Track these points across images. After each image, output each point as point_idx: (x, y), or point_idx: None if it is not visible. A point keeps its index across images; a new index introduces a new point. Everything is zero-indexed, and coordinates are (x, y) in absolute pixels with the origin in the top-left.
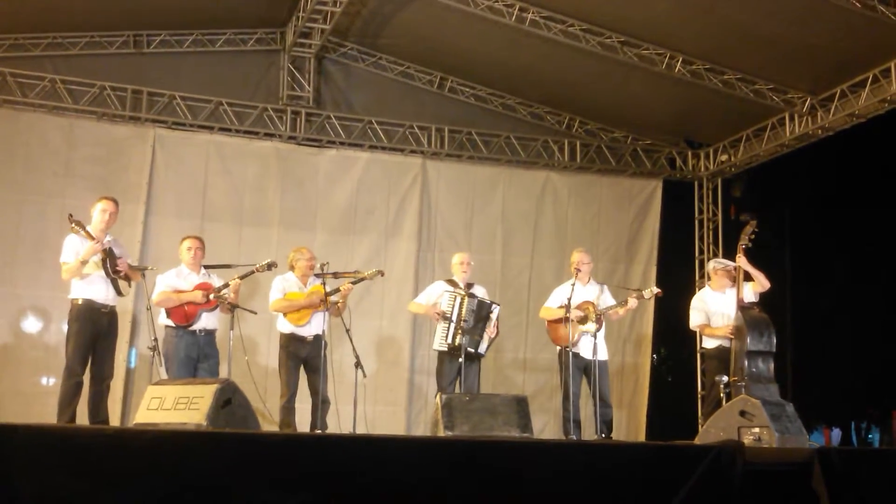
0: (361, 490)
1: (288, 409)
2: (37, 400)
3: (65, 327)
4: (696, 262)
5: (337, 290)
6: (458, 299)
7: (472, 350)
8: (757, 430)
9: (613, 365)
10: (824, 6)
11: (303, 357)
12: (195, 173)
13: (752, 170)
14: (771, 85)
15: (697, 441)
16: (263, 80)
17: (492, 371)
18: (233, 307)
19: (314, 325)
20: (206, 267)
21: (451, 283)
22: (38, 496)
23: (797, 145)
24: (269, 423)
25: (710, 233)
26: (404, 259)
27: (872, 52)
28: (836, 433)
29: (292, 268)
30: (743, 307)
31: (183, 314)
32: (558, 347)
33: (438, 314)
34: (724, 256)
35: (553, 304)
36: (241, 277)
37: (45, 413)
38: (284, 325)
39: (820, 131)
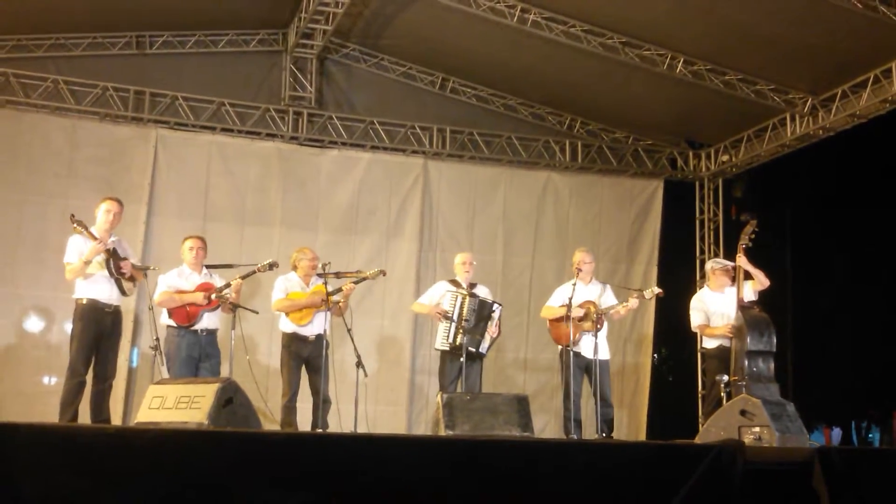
0: (362, 489)
1: (289, 409)
2: (38, 399)
3: (66, 327)
4: (697, 262)
5: (339, 290)
6: (460, 299)
7: (474, 350)
8: (757, 429)
9: (614, 365)
10: (825, 6)
11: (305, 357)
12: (197, 174)
13: (753, 170)
14: (772, 85)
15: (698, 440)
16: (265, 80)
17: (493, 370)
18: (234, 307)
19: (316, 325)
20: (207, 267)
21: (454, 283)
22: (40, 495)
23: (798, 145)
24: (271, 423)
25: (711, 233)
26: (406, 259)
27: (873, 52)
28: (837, 433)
29: (295, 268)
30: (743, 307)
31: (185, 314)
32: (560, 347)
33: (440, 314)
34: (725, 256)
35: (554, 304)
36: (243, 277)
37: (47, 412)
38: (286, 325)
39: (821, 131)
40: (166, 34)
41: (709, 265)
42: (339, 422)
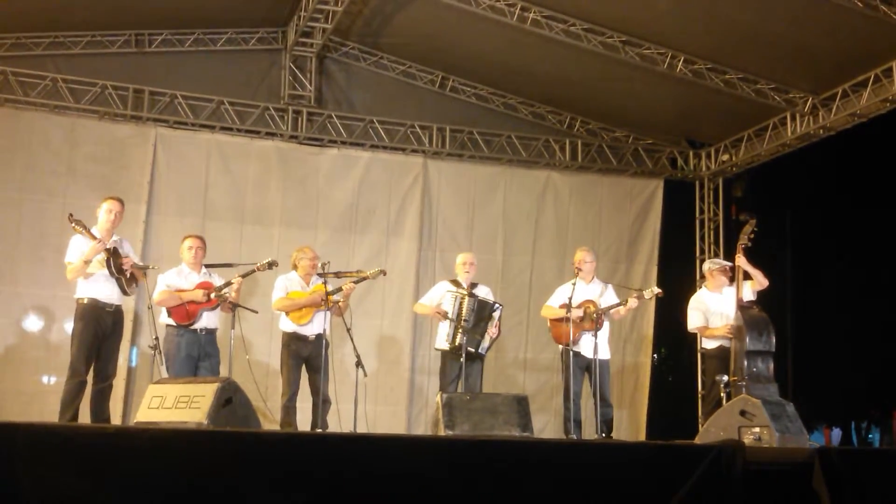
0: (362, 489)
1: (289, 409)
2: (37, 399)
3: (66, 326)
4: (697, 261)
5: (339, 290)
6: (459, 299)
7: (473, 350)
8: (757, 429)
9: (614, 365)
10: (826, 6)
11: (305, 356)
12: (196, 172)
13: (753, 169)
14: (772, 84)
15: (698, 441)
16: (265, 79)
17: (493, 370)
18: (234, 306)
19: (316, 325)
20: (207, 266)
21: (455, 283)
22: (39, 494)
23: (799, 145)
24: (270, 423)
25: (711, 232)
26: (405, 258)
27: (874, 51)
28: (837, 433)
29: (295, 267)
30: (742, 307)
31: (184, 313)
32: (560, 346)
33: (440, 314)
34: (725, 256)
35: (555, 303)
36: (243, 276)
37: (46, 412)
38: (287, 324)
39: (821, 131)
40: (165, 32)
41: (706, 266)
42: (339, 422)
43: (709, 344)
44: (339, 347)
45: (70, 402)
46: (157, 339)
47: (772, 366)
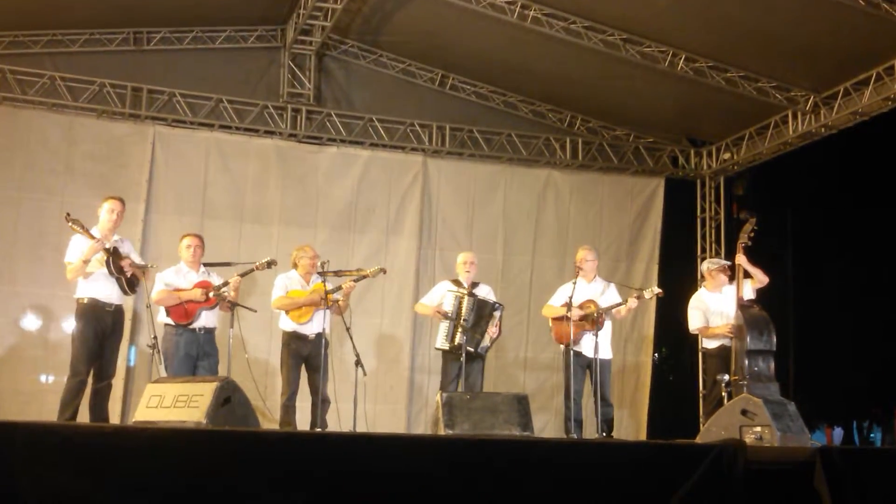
0: (361, 489)
1: (288, 408)
2: (35, 398)
3: (64, 325)
4: (698, 260)
5: (339, 288)
6: (459, 298)
7: (473, 349)
8: (758, 429)
9: (615, 365)
10: (827, 4)
11: (304, 355)
12: (195, 171)
13: (754, 168)
14: (774, 83)
15: (699, 440)
16: (264, 77)
17: (493, 370)
18: (232, 305)
19: (316, 324)
20: (205, 265)
21: (456, 282)
22: (37, 494)
23: (800, 143)
24: (269, 422)
25: (713, 231)
26: (405, 257)
27: (876, 49)
28: (838, 432)
29: (295, 265)
30: (742, 306)
31: (183, 312)
32: (562, 346)
33: (441, 313)
34: (726, 255)
35: (556, 303)
36: (241, 275)
37: (44, 411)
38: (286, 323)
39: (823, 129)
40: (164, 30)
41: (705, 266)
42: (339, 421)
43: (710, 343)
44: (339, 346)
45: (70, 401)
46: (155, 338)
47: (773, 365)
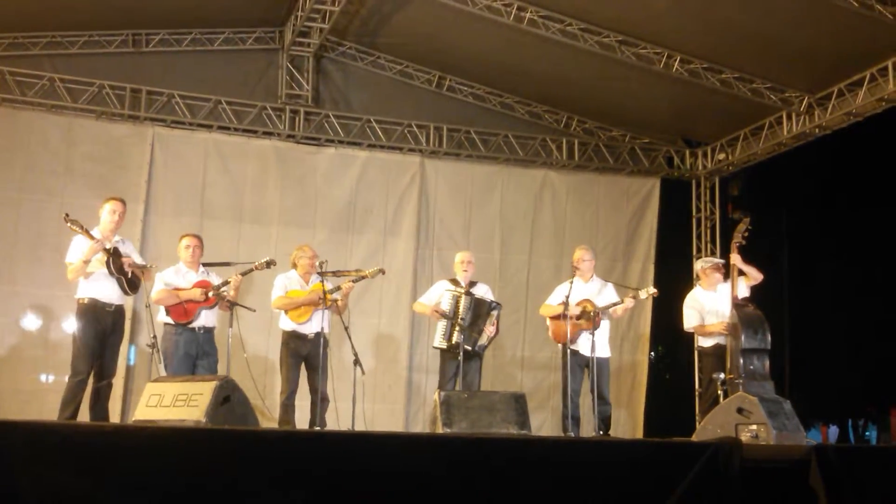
0: (360, 487)
1: (287, 407)
2: (35, 398)
3: (64, 325)
4: (694, 260)
5: (338, 289)
6: (456, 297)
7: (470, 348)
8: (754, 427)
9: (611, 363)
10: (822, 5)
11: (304, 354)
12: (194, 172)
13: (749, 168)
14: (768, 84)
15: (695, 438)
16: (262, 78)
17: (490, 368)
18: (231, 304)
19: (315, 323)
20: (204, 265)
21: (454, 282)
22: (37, 493)
23: (795, 144)
24: (268, 421)
25: (708, 231)
26: (403, 257)
27: (870, 51)
28: (834, 430)
29: (295, 265)
30: (737, 305)
31: (182, 311)
32: (560, 345)
33: (438, 313)
34: (721, 255)
35: (554, 302)
36: (242, 275)
37: (44, 411)
38: (286, 323)
39: (817, 130)
40: (162, 32)
41: (699, 265)
42: (337, 420)
43: (705, 342)
44: (338, 346)
45: (70, 400)
46: (155, 337)
47: (767, 363)
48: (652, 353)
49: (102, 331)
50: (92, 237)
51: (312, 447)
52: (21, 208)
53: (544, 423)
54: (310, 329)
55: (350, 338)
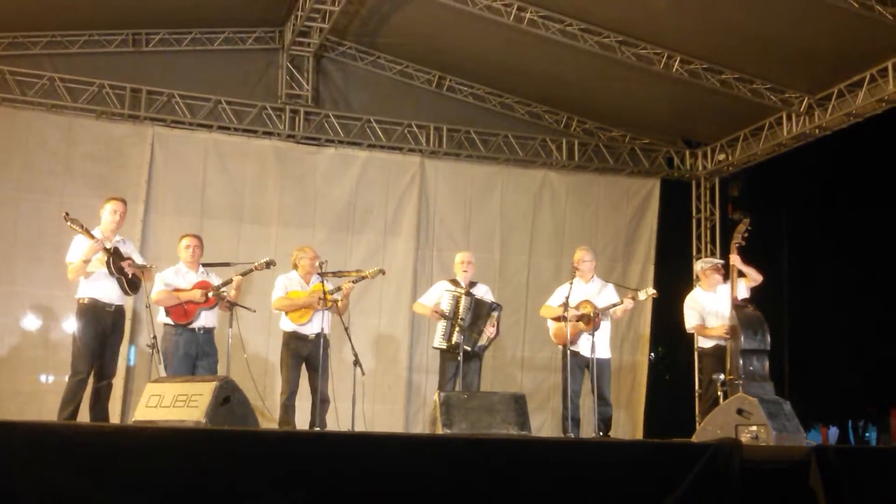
0: (360, 487)
1: (287, 407)
2: (35, 398)
3: (64, 325)
4: (694, 260)
5: (338, 289)
6: (456, 298)
7: (469, 348)
8: (754, 428)
9: (612, 364)
10: (822, 6)
11: (304, 355)
12: (194, 171)
13: (749, 169)
14: (768, 84)
15: (695, 439)
16: (262, 78)
17: (490, 369)
18: (231, 305)
19: (315, 324)
20: (204, 265)
21: (454, 282)
22: (37, 493)
23: (795, 145)
24: (268, 421)
25: (708, 232)
26: (403, 257)
27: (870, 51)
28: (834, 431)
29: (295, 266)
30: (737, 306)
31: (182, 312)
32: (560, 346)
33: (438, 313)
34: (721, 255)
35: (554, 303)
36: (242, 275)
37: (44, 411)
38: (286, 324)
39: (817, 131)
40: (162, 32)
41: (699, 265)
42: (337, 420)
43: (705, 343)
44: (338, 346)
45: (70, 400)
46: (155, 337)
47: (767, 364)
48: (652, 354)
49: (102, 331)
50: (92, 236)
51: (312, 448)
52: (21, 208)
53: (544, 424)
54: (310, 330)
55: (350, 338)
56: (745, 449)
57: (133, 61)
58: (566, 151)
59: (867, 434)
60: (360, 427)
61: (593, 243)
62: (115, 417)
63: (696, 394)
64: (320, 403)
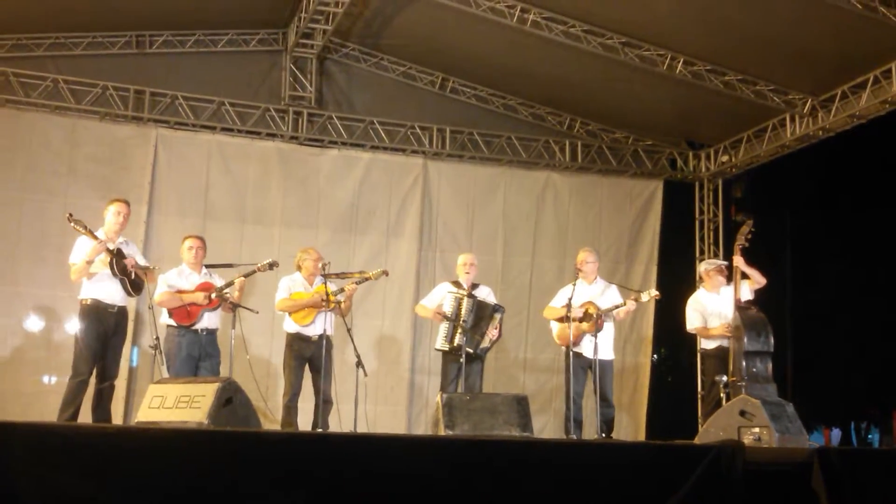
0: (362, 489)
1: (290, 408)
2: (38, 399)
3: (66, 326)
4: (697, 262)
5: (341, 290)
6: (458, 299)
7: (472, 350)
8: (757, 429)
9: (614, 365)
10: (825, 7)
11: (308, 356)
12: (197, 173)
13: (752, 170)
14: (772, 86)
15: (697, 441)
16: (265, 80)
17: (492, 371)
18: (234, 306)
19: (319, 325)
20: (207, 266)
21: (456, 284)
22: (39, 494)
23: (798, 146)
24: (271, 422)
25: (711, 233)
26: (406, 259)
27: (873, 53)
28: (836, 433)
29: (299, 268)
30: (740, 307)
31: (185, 313)
32: (563, 347)
33: (440, 315)
34: (724, 257)
35: (557, 304)
36: (245, 276)
37: (46, 412)
38: (290, 325)
39: (821, 132)
40: (166, 33)
41: (703, 267)
42: (339, 421)
43: (708, 344)
44: (340, 348)
45: (70, 401)
46: (157, 339)
47: (770, 366)
48: (654, 356)
49: (105, 332)
50: (95, 237)
51: (315, 449)
52: (24, 209)
53: (546, 426)
54: (314, 331)
55: (353, 340)
56: (747, 451)
57: (137, 63)
58: (569, 153)
59: (870, 436)
60: (362, 428)
61: (596, 245)
62: (117, 418)
63: (699, 395)
64: (323, 404)
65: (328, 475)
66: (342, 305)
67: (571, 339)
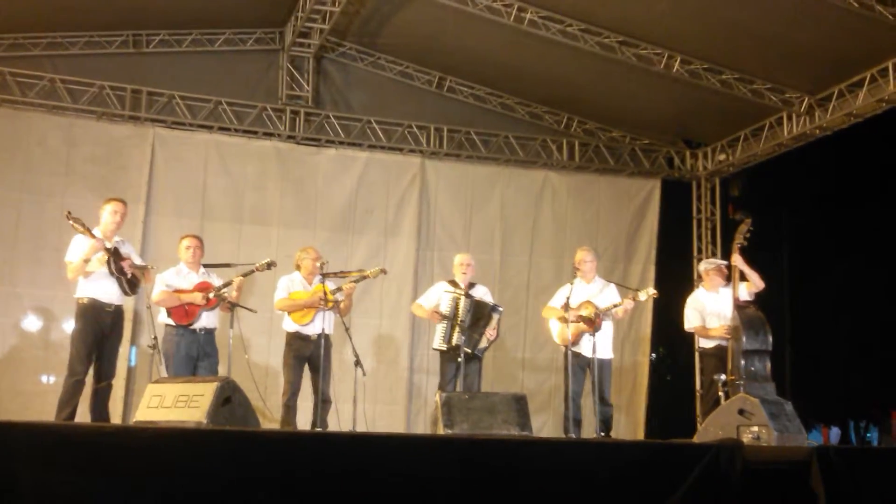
0: (361, 488)
1: (289, 408)
2: (36, 399)
3: (65, 326)
4: (695, 261)
5: (340, 289)
6: (456, 299)
7: (469, 350)
8: (756, 428)
9: (612, 364)
10: (822, 6)
11: (307, 356)
12: (195, 173)
13: (749, 169)
14: (769, 85)
15: (696, 440)
16: (263, 79)
17: (491, 370)
18: (232, 306)
19: (318, 324)
20: (205, 266)
21: (453, 283)
22: (37, 494)
23: (795, 145)
24: (269, 422)
25: (708, 232)
26: (403, 258)
27: (870, 51)
28: (835, 432)
29: (298, 267)
30: (738, 306)
31: (183, 313)
32: (562, 346)
33: (437, 314)
34: (722, 255)
35: (556, 304)
36: (243, 276)
37: (45, 412)
38: (289, 324)
39: (818, 131)
40: (163, 33)
41: (702, 266)
42: (338, 421)
43: (706, 343)
44: (339, 347)
45: (67, 400)
46: (155, 338)
47: (769, 365)
48: (653, 355)
49: (101, 331)
50: (93, 236)
51: (313, 448)
52: (21, 209)
53: (545, 425)
54: (313, 330)
55: (351, 339)
56: (746, 449)
57: (134, 62)
58: (567, 152)
59: (869, 435)
60: (361, 427)
61: (594, 244)
62: (116, 418)
63: (698, 394)
64: (322, 404)
65: (326, 474)
66: (342, 304)
67: (570, 338)
